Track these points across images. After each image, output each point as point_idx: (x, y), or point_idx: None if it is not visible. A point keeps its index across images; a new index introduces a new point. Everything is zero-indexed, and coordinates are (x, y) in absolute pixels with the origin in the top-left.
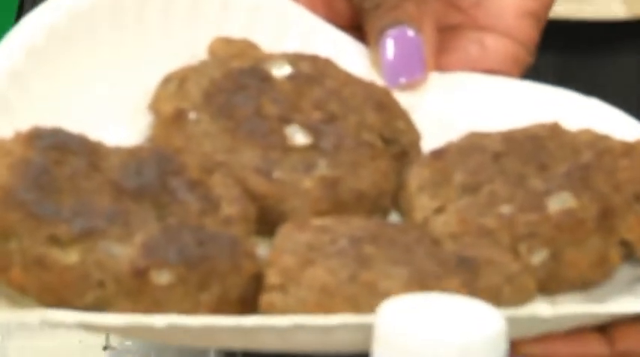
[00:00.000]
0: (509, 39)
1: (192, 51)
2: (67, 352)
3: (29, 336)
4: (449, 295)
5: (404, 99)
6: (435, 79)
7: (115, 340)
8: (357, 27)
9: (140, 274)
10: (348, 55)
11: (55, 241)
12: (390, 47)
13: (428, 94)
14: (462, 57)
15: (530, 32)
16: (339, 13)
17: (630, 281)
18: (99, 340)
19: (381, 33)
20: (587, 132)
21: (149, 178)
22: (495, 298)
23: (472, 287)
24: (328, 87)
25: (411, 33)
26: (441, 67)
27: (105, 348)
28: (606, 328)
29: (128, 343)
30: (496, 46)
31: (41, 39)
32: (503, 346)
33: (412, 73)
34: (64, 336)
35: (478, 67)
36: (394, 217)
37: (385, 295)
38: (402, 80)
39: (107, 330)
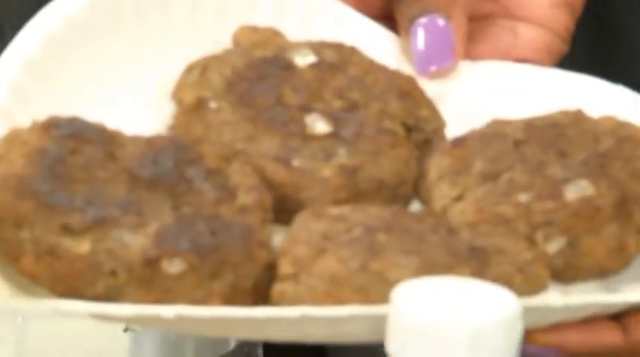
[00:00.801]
0: (542, 28)
1: (218, 39)
2: (88, 335)
3: (49, 319)
4: (463, 279)
5: (434, 88)
6: (466, 67)
7: None
8: (388, 17)
9: (152, 263)
10: (377, 43)
11: (67, 230)
12: (420, 35)
13: (457, 83)
14: (495, 46)
15: (564, 22)
16: (370, 3)
17: None
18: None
19: (411, 21)
20: (609, 119)
21: (165, 168)
22: (506, 287)
23: (482, 276)
24: (351, 75)
25: (440, 21)
26: (473, 56)
27: (125, 330)
28: (620, 316)
29: None
30: (529, 35)
31: (60, 29)
32: (517, 330)
33: (442, 61)
34: (85, 319)
35: (511, 56)
36: (416, 206)
37: (394, 284)
38: (432, 68)
39: (117, 320)
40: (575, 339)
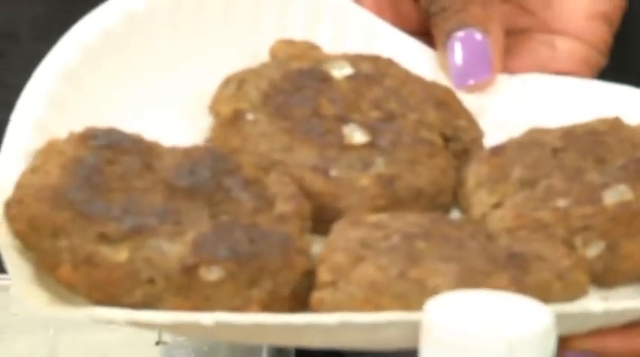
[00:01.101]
0: (579, 41)
1: (254, 53)
2: (119, 348)
3: (81, 331)
4: (497, 292)
5: (472, 101)
6: (504, 81)
7: (167, 336)
8: (425, 33)
9: (189, 271)
10: (413, 57)
11: (104, 238)
12: (457, 50)
13: (496, 97)
14: (532, 59)
15: (601, 34)
16: (406, 19)
17: None
18: (151, 335)
19: (448, 36)
20: None
21: (203, 177)
22: (545, 294)
23: (521, 283)
24: (388, 86)
25: (478, 35)
26: (511, 70)
27: (157, 343)
28: None
29: (180, 338)
30: (566, 48)
31: (98, 41)
32: (551, 342)
33: (480, 74)
34: (116, 331)
35: (549, 70)
36: (455, 215)
37: (434, 291)
38: (470, 82)
39: (155, 327)
40: (614, 345)
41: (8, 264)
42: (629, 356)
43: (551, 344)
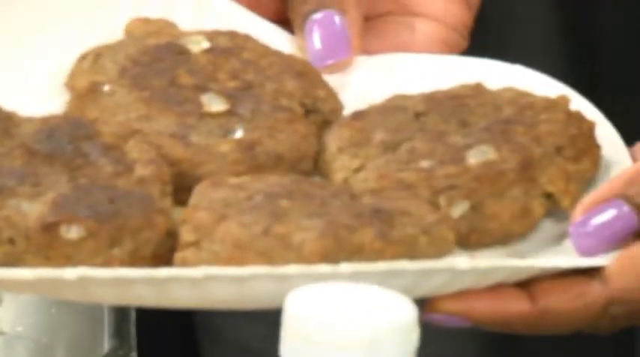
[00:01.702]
0: (438, 23)
1: (110, 32)
2: None
3: None
4: (359, 285)
5: (330, 80)
6: (362, 61)
7: (6, 325)
8: (283, 21)
9: (49, 229)
10: (270, 39)
11: None
12: (315, 32)
13: (354, 74)
14: (392, 42)
15: (460, 16)
16: (264, 5)
17: (554, 237)
18: None
19: (306, 18)
20: (509, 90)
21: (61, 143)
22: (411, 249)
23: (386, 238)
24: (245, 58)
25: (335, 16)
26: (370, 53)
27: None
28: (527, 284)
29: (19, 328)
30: (426, 30)
31: None
32: (415, 336)
33: (337, 54)
34: None
35: (408, 51)
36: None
37: (299, 247)
38: (328, 62)
39: (18, 285)
40: (480, 307)
41: None
42: (495, 319)
43: (415, 338)
